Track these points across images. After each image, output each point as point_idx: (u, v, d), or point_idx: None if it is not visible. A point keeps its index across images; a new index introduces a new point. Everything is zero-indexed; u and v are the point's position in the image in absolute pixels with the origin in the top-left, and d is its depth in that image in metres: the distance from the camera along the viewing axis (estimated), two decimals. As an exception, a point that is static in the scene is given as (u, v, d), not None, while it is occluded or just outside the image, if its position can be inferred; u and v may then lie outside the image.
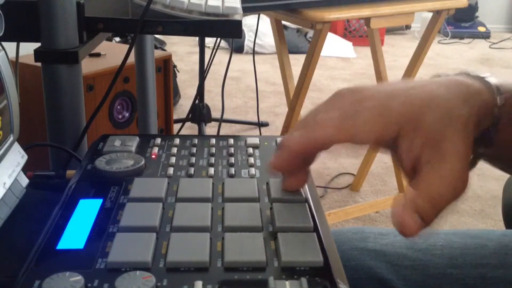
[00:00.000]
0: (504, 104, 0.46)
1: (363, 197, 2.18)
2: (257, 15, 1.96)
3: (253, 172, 0.53)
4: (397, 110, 0.43)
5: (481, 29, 4.83)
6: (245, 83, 3.41)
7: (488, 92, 0.46)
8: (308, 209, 0.46)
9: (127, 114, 1.78)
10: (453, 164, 0.41)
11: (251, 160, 0.55)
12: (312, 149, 0.45)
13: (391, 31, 4.76)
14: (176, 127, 2.13)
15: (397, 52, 4.27)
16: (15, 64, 0.92)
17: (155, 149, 0.57)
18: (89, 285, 0.36)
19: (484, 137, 0.48)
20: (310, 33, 3.90)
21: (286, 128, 1.78)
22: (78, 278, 0.36)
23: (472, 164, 0.49)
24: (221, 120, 2.28)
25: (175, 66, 2.71)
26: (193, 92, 2.64)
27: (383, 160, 2.35)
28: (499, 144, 0.48)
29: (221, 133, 2.40)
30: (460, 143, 0.42)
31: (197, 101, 2.41)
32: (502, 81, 0.48)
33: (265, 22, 2.80)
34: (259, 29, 2.11)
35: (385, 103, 0.43)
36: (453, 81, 0.46)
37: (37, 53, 0.68)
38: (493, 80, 0.48)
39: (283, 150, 0.45)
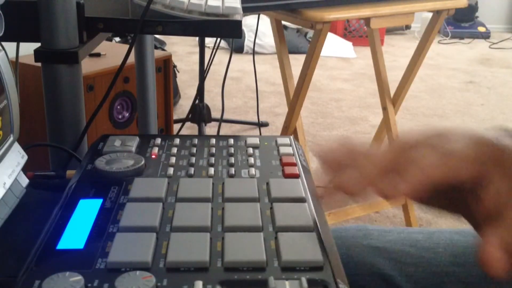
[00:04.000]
0: None
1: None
2: (257, 15, 1.96)
3: (253, 172, 0.53)
4: (486, 148, 0.42)
5: (481, 29, 4.83)
6: (245, 83, 3.41)
7: None
8: (308, 209, 0.46)
9: (127, 114, 1.78)
10: None
11: (251, 160, 0.55)
12: (421, 193, 0.42)
13: (391, 31, 4.76)
14: (176, 127, 2.13)
15: (397, 52, 4.27)
16: (15, 64, 0.92)
17: (155, 149, 0.57)
18: (89, 285, 0.36)
19: None
20: (310, 33, 3.90)
21: (286, 128, 1.78)
22: (78, 278, 0.36)
23: None
24: (221, 120, 2.28)
25: (175, 66, 2.72)
26: (193, 92, 2.64)
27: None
28: None
29: (221, 133, 2.40)
30: None
31: (197, 101, 2.41)
32: None
33: (265, 22, 2.80)
34: (259, 29, 2.11)
35: (474, 140, 0.43)
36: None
37: (37, 53, 0.68)
38: None
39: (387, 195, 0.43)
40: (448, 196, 0.45)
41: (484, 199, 0.41)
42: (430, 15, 1.80)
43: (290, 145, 0.59)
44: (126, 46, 0.95)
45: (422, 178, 0.41)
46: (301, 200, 0.48)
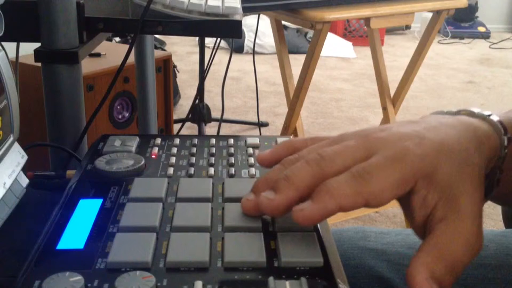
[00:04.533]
0: (509, 143, 0.45)
1: (363, 197, 2.18)
2: (257, 15, 1.96)
3: (253, 172, 0.53)
4: (412, 163, 0.40)
5: (481, 29, 4.83)
6: (245, 83, 3.41)
7: (495, 134, 0.45)
8: (308, 209, 0.46)
9: (127, 114, 1.78)
10: (470, 221, 0.39)
11: (251, 160, 0.55)
12: (323, 219, 0.41)
13: (391, 31, 4.76)
14: (176, 127, 2.13)
15: (397, 52, 4.27)
16: (15, 64, 0.92)
17: (155, 149, 0.57)
18: (89, 285, 0.36)
19: (489, 179, 0.46)
20: (310, 33, 3.90)
21: (286, 128, 1.78)
22: (78, 278, 0.36)
23: None
24: (221, 120, 2.28)
25: (175, 66, 2.72)
26: (193, 92, 2.65)
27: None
28: (503, 184, 0.46)
29: (221, 133, 2.40)
30: (475, 196, 0.40)
31: (197, 101, 2.41)
32: (504, 117, 0.46)
33: (265, 22, 2.81)
34: (259, 29, 2.11)
35: (399, 155, 0.40)
36: (462, 123, 0.44)
37: (37, 53, 0.68)
38: (496, 118, 0.46)
39: (283, 211, 0.41)
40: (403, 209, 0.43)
41: (420, 209, 0.40)
42: (430, 15, 1.80)
43: (290, 145, 0.59)
44: (126, 46, 0.95)
45: (330, 206, 0.39)
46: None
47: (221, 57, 3.10)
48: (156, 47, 2.60)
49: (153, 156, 0.56)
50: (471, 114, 0.47)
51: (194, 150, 0.57)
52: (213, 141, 0.59)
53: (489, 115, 0.46)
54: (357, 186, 0.39)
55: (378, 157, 0.40)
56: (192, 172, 0.52)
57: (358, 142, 0.42)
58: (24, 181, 0.55)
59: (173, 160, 0.55)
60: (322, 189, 0.39)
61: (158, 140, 0.59)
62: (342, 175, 0.40)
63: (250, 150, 0.57)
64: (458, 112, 0.48)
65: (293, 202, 0.41)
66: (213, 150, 0.57)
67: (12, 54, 0.68)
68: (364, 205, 0.39)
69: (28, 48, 0.75)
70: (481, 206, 0.40)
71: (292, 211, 0.40)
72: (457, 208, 0.39)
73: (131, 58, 0.90)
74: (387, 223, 1.99)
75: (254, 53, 2.27)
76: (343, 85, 3.52)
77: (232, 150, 0.57)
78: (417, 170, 0.39)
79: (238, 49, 3.89)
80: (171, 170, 0.53)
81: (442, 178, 0.40)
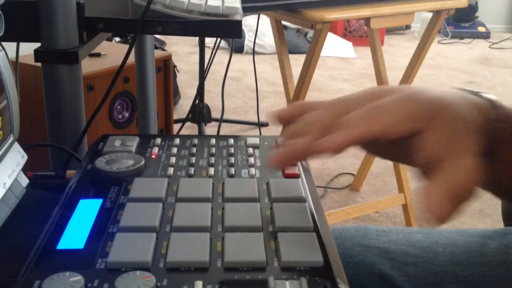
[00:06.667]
0: (496, 119, 0.48)
1: (363, 197, 2.18)
2: (257, 15, 1.96)
3: (253, 172, 0.53)
4: (422, 103, 0.44)
5: (481, 29, 4.83)
6: (245, 83, 3.41)
7: (485, 107, 0.48)
8: (308, 209, 0.46)
9: (127, 114, 1.78)
10: (470, 159, 0.42)
11: (251, 160, 0.55)
12: (345, 148, 0.45)
13: (391, 31, 4.76)
14: (176, 127, 2.13)
15: (397, 52, 4.27)
16: (15, 64, 0.92)
17: (155, 149, 0.57)
18: (89, 285, 0.36)
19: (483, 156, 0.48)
20: (310, 33, 3.90)
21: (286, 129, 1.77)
22: (78, 278, 0.36)
23: None
24: (221, 120, 2.28)
25: (175, 66, 2.71)
26: (193, 92, 2.65)
27: (383, 160, 2.35)
28: (492, 164, 0.49)
29: (221, 133, 2.40)
30: (474, 143, 0.43)
31: (197, 101, 2.41)
32: (494, 98, 0.50)
33: (265, 22, 2.80)
34: (259, 29, 2.11)
35: (410, 96, 0.44)
36: (457, 93, 0.48)
37: (37, 53, 0.68)
38: (486, 95, 0.49)
39: (310, 150, 0.45)
40: (390, 146, 0.46)
41: (424, 150, 0.43)
42: (430, 15, 1.80)
43: (290, 145, 0.59)
44: (126, 46, 0.95)
45: (346, 136, 0.43)
46: (301, 200, 0.48)
47: (221, 57, 3.10)
48: (156, 47, 2.60)
49: (153, 156, 0.56)
50: (463, 89, 0.50)
51: (194, 150, 0.57)
52: (213, 141, 0.59)
53: (479, 92, 0.50)
54: (372, 117, 0.43)
55: (393, 96, 0.45)
56: (192, 172, 0.52)
57: (374, 90, 0.47)
58: (24, 181, 0.55)
59: (173, 160, 0.55)
60: (343, 121, 0.44)
61: (158, 140, 0.59)
62: (359, 109, 0.44)
63: (250, 150, 0.57)
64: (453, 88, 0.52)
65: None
66: (213, 150, 0.57)
67: (12, 54, 0.68)
68: (379, 136, 0.43)
69: (28, 48, 0.75)
70: (478, 150, 0.44)
71: (313, 145, 0.44)
72: (460, 149, 0.43)
73: (131, 58, 0.90)
74: (387, 223, 1.99)
75: (254, 53, 2.27)
76: (343, 85, 3.52)
77: (232, 150, 0.57)
78: (426, 109, 0.44)
79: (238, 49, 3.89)
80: (171, 170, 0.53)
81: (446, 121, 0.43)
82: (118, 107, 1.75)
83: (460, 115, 0.44)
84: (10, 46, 0.66)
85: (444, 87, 0.51)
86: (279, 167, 0.49)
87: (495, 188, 0.54)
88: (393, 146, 0.46)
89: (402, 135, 0.44)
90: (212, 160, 0.55)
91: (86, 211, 0.45)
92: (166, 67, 1.88)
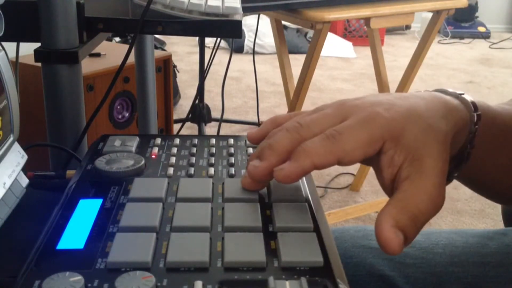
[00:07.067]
0: (477, 122, 0.49)
1: (363, 197, 2.18)
2: (257, 15, 1.96)
3: (253, 172, 0.53)
4: (380, 125, 0.43)
5: (481, 29, 4.83)
6: (245, 83, 3.41)
7: (465, 109, 0.48)
8: (308, 209, 0.46)
9: (127, 114, 1.78)
10: (432, 180, 0.42)
11: (251, 160, 0.55)
12: (300, 177, 0.45)
13: (391, 31, 4.76)
14: (176, 127, 2.13)
15: (397, 52, 4.27)
16: (15, 64, 0.92)
17: (155, 149, 0.57)
18: (89, 285, 0.36)
19: (460, 154, 0.50)
20: (310, 33, 3.90)
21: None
22: (78, 278, 0.36)
23: (448, 180, 0.50)
24: (221, 120, 2.28)
25: (175, 66, 2.72)
26: (193, 92, 2.65)
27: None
28: (472, 162, 0.50)
29: (221, 133, 2.40)
30: (439, 159, 0.43)
31: (197, 101, 2.41)
32: (476, 100, 0.50)
33: (265, 22, 2.80)
34: (259, 29, 2.11)
35: (368, 118, 0.43)
36: (433, 97, 0.47)
37: (37, 53, 0.68)
38: (469, 97, 0.49)
39: (264, 177, 0.46)
40: (366, 162, 0.46)
41: (388, 168, 0.43)
42: (430, 15, 1.80)
43: (290, 145, 0.59)
44: (126, 46, 0.95)
45: (301, 167, 0.43)
46: (301, 200, 0.48)
47: (221, 57, 3.10)
48: (156, 47, 2.60)
49: (153, 156, 0.56)
50: (445, 92, 0.50)
51: (194, 150, 0.57)
52: (213, 141, 0.59)
53: (461, 94, 0.50)
54: (330, 145, 0.43)
55: (350, 120, 0.44)
56: (192, 172, 0.52)
57: (334, 110, 0.46)
58: (24, 181, 0.55)
59: (173, 160, 0.55)
60: (298, 150, 0.43)
61: (158, 140, 0.59)
62: (316, 137, 0.44)
63: (250, 150, 0.57)
64: (434, 91, 0.51)
65: (276, 166, 0.44)
66: (213, 150, 0.57)
67: (12, 54, 0.68)
68: (337, 163, 0.43)
69: (28, 48, 0.75)
70: (444, 167, 0.43)
71: (273, 171, 0.44)
72: (421, 168, 0.42)
73: (131, 58, 0.90)
74: (387, 223, 1.99)
75: (254, 53, 2.27)
76: (343, 85, 3.52)
77: (232, 150, 0.57)
78: (385, 131, 0.43)
79: (238, 49, 3.89)
80: (171, 170, 0.53)
81: (408, 140, 0.43)
82: (118, 107, 1.75)
83: (430, 125, 0.44)
84: (10, 46, 0.66)
85: (444, 87, 0.51)
86: (251, 189, 0.49)
87: (474, 184, 0.55)
88: (369, 161, 0.46)
89: (361, 160, 0.44)
90: (212, 160, 0.55)
91: (86, 211, 0.45)
92: (166, 67, 1.88)
